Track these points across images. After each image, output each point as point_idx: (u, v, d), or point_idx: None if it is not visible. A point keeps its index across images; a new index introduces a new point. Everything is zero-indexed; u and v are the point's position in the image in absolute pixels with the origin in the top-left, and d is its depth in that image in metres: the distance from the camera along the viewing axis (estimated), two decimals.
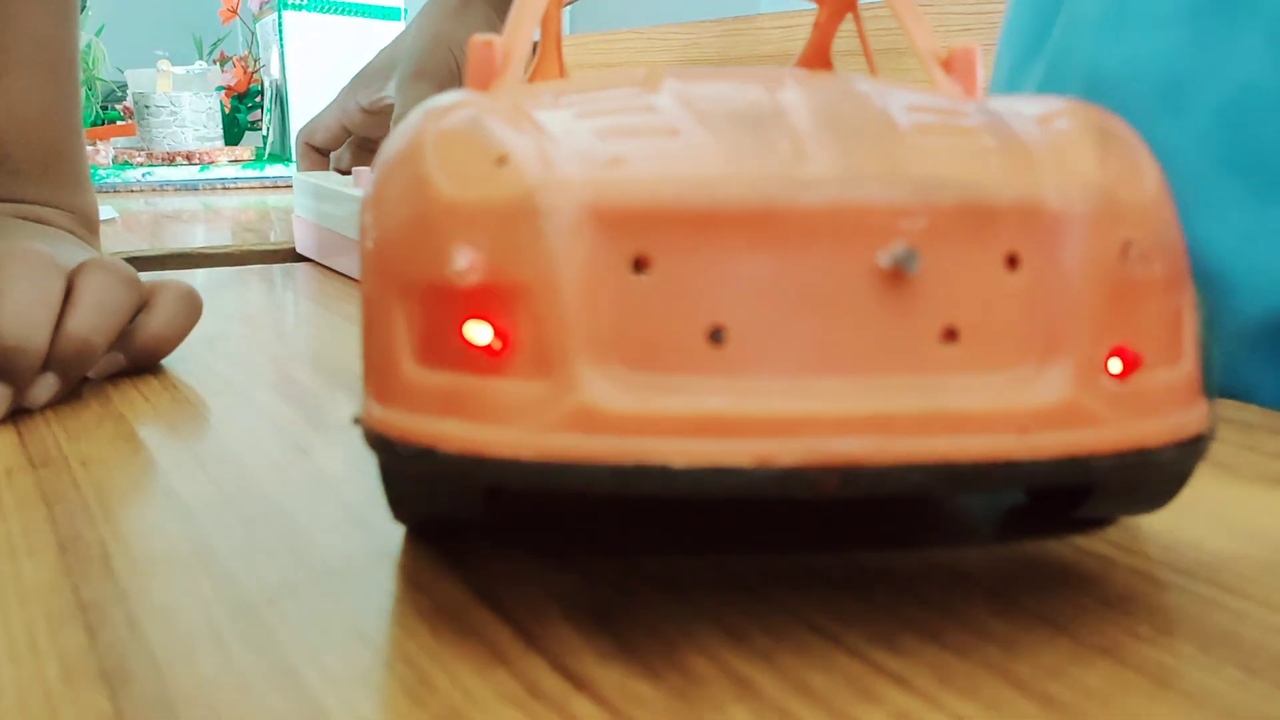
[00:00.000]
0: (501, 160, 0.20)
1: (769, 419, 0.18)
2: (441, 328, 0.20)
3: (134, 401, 0.38)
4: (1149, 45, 0.49)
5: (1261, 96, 0.45)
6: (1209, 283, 0.45)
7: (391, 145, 0.23)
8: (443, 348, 0.20)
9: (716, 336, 0.19)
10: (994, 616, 0.22)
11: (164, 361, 0.43)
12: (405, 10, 1.32)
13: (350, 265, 0.64)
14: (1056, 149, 0.21)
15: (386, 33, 1.27)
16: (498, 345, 0.19)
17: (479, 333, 0.19)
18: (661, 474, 0.18)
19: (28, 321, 0.35)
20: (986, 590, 0.23)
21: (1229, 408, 0.37)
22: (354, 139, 0.72)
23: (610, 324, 0.19)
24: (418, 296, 0.20)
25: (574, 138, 0.20)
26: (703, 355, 0.19)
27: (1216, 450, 0.32)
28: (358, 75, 0.73)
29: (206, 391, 0.39)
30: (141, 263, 0.68)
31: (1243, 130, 0.46)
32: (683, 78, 0.24)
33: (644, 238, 0.19)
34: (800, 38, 1.41)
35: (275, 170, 1.25)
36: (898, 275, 0.19)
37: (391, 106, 0.69)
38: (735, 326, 0.19)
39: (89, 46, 1.45)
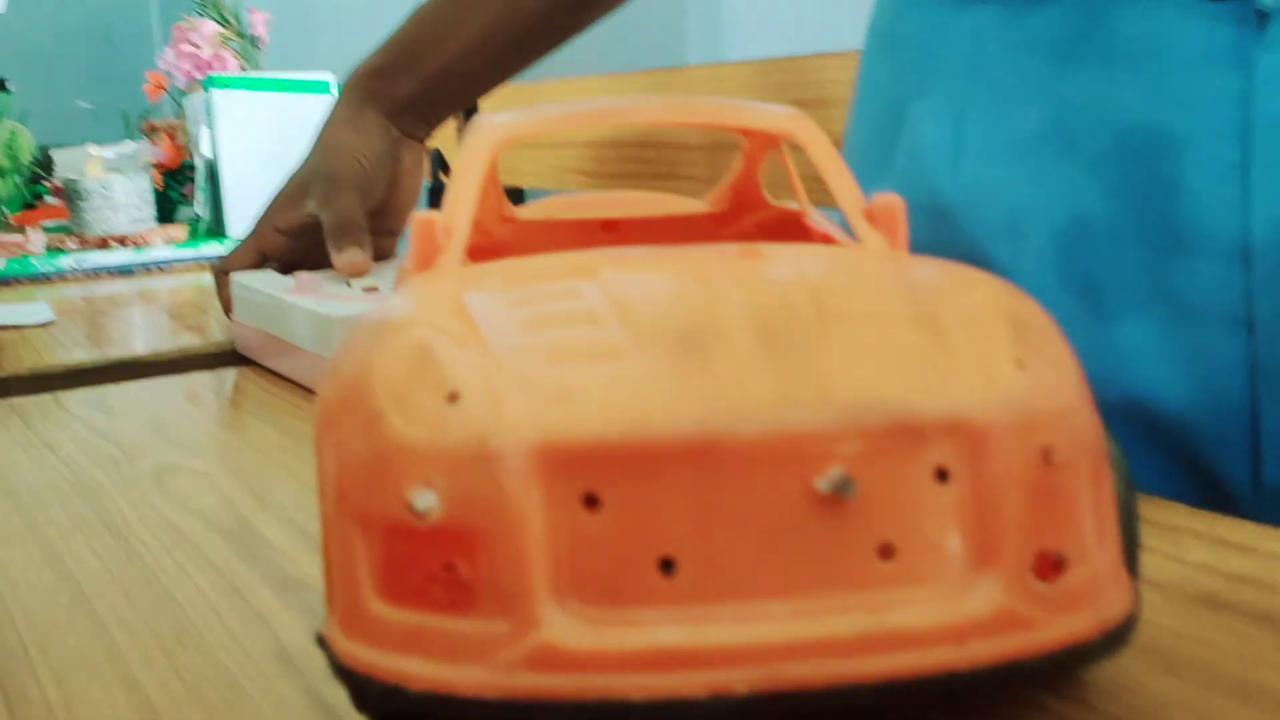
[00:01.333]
0: (452, 397, 0.21)
1: (720, 648, 0.19)
2: (403, 567, 0.20)
3: (84, 559, 0.38)
4: (987, 176, 0.54)
5: (1091, 225, 0.50)
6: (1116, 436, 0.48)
7: (344, 364, 0.23)
8: (405, 586, 0.20)
9: (667, 567, 0.20)
10: None
11: (116, 502, 0.43)
12: (333, 84, 1.33)
13: (291, 368, 0.64)
14: (979, 352, 0.22)
15: (315, 106, 1.27)
16: (458, 585, 0.20)
17: (440, 573, 0.20)
18: (621, 709, 0.19)
19: None
20: None
21: (1153, 507, 0.38)
22: (273, 265, 0.72)
23: (566, 561, 0.20)
24: (378, 532, 0.21)
25: (520, 361, 0.21)
26: (655, 586, 0.20)
27: (1144, 560, 0.34)
28: (270, 203, 0.74)
29: (160, 547, 0.39)
30: (85, 375, 0.68)
31: (1077, 256, 0.52)
32: (618, 265, 0.25)
33: (593, 475, 0.20)
34: (727, 87, 1.43)
35: (209, 249, 1.25)
36: (835, 498, 0.20)
37: (311, 222, 0.70)
38: (684, 556, 0.20)
39: (13, 134, 1.44)
